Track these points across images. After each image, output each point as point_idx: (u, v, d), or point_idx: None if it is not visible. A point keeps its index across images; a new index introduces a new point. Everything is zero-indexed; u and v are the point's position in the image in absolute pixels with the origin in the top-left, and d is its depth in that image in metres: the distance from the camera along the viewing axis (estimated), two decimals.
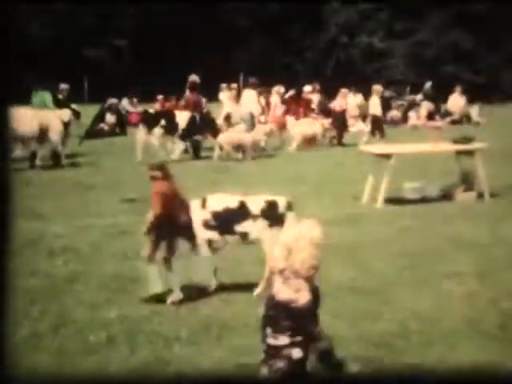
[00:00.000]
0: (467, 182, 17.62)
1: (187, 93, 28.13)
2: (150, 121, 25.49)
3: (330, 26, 70.07)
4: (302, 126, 28.53)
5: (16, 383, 6.48)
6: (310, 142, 27.96)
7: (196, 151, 26.33)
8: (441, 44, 69.33)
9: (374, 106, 31.35)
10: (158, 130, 25.23)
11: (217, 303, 9.87)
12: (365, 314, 9.39)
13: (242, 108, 29.27)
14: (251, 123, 28.07)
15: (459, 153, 18.21)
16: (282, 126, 29.60)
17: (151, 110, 27.65)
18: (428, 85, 33.60)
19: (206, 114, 27.54)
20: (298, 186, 18.76)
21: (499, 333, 8.79)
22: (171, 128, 25.42)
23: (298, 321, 6.20)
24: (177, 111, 26.85)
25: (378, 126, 30.92)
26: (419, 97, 34.04)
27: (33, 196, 17.48)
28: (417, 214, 15.74)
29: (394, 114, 32.84)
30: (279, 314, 6.21)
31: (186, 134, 25.68)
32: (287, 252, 6.17)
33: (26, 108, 24.23)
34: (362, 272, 11.26)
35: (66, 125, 24.68)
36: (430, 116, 31.67)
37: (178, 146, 25.52)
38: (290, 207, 10.40)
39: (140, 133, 25.23)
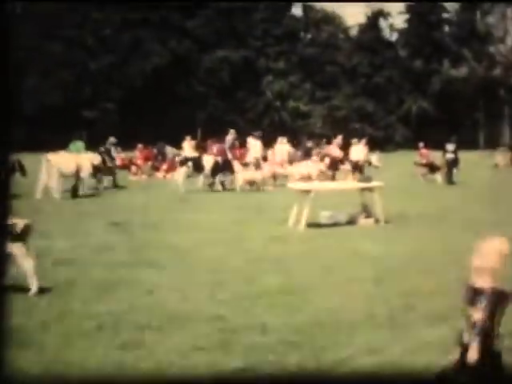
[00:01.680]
0: (367, 211, 17.82)
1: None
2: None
3: (266, 93, 70.56)
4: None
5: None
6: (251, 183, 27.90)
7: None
8: (350, 107, 70.26)
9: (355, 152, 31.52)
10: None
11: None
12: (290, 309, 9.43)
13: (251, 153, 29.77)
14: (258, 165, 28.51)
15: (362, 189, 18.49)
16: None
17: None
18: (339, 138, 33.68)
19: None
20: (242, 212, 18.99)
21: (388, 323, 8.85)
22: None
23: None
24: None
25: (336, 167, 30.98)
26: (332, 146, 34.13)
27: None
28: (330, 235, 15.85)
29: (314, 159, 32.93)
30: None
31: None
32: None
33: (65, 153, 25.55)
34: (288, 277, 11.31)
35: (96, 165, 25.38)
36: (341, 161, 31.75)
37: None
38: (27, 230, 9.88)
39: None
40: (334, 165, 30.77)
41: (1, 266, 5.86)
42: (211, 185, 27.35)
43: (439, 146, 34.32)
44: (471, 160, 32.74)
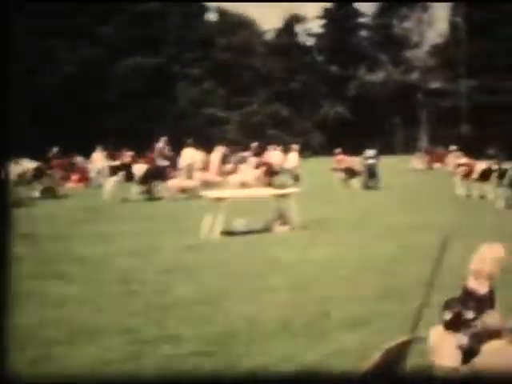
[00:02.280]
0: (283, 217, 17.99)
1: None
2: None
3: (181, 100, 70.45)
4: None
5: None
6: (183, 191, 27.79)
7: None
8: (265, 113, 70.79)
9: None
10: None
11: None
12: (204, 319, 9.46)
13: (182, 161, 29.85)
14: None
15: (278, 196, 18.66)
16: None
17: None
18: (255, 144, 33.92)
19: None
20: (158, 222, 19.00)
21: (304, 330, 8.97)
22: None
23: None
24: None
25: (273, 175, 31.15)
26: (248, 153, 34.29)
27: None
28: (245, 243, 15.94)
29: (230, 166, 32.97)
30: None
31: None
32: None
33: None
34: (202, 287, 11.35)
35: None
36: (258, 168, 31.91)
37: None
38: None
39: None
40: (271, 172, 31.00)
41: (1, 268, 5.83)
42: (144, 193, 27.27)
43: (356, 152, 34.90)
44: (388, 164, 33.39)
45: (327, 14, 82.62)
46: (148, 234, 17.38)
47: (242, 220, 17.76)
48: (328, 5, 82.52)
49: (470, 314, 6.73)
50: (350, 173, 32.12)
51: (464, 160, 28.60)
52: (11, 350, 6.73)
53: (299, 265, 13.08)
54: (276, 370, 7.51)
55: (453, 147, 42.92)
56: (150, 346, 8.26)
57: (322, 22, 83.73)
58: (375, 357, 6.47)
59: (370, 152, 31.95)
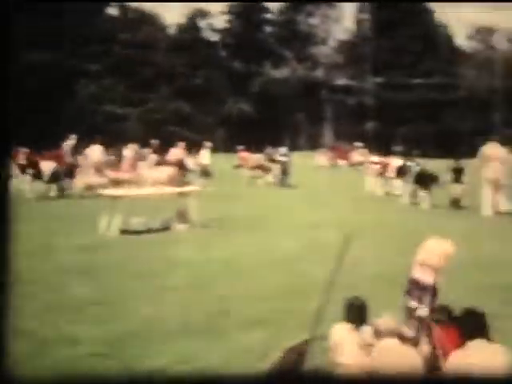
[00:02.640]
0: (183, 216, 17.94)
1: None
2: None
3: (80, 96, 69.45)
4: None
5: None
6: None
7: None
8: (167, 110, 70.51)
9: None
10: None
11: None
12: (101, 319, 9.38)
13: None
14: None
15: (179, 194, 18.63)
16: None
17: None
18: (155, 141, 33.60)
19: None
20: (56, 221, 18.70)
21: (204, 330, 8.98)
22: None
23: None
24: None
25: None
26: (147, 150, 33.95)
27: None
28: (143, 242, 15.83)
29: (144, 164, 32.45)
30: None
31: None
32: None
33: None
34: (99, 288, 11.23)
35: None
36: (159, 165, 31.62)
37: None
38: None
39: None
40: (183, 169, 30.81)
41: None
42: (55, 191, 26.71)
43: (260, 149, 35.09)
44: (293, 161, 33.62)
45: (232, 9, 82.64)
46: (45, 234, 17.02)
47: (141, 219, 17.63)
48: (232, 2, 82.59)
49: (413, 303, 6.96)
50: (262, 170, 32.16)
51: (378, 157, 29.03)
52: None
53: (199, 264, 13.10)
54: (174, 371, 7.49)
55: (357, 144, 43.75)
56: (46, 347, 8.15)
57: (227, 17, 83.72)
58: (277, 356, 6.53)
59: (283, 150, 32.15)
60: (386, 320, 7.23)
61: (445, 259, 7.11)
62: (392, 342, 6.86)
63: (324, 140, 78.18)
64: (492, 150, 22.56)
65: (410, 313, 7.11)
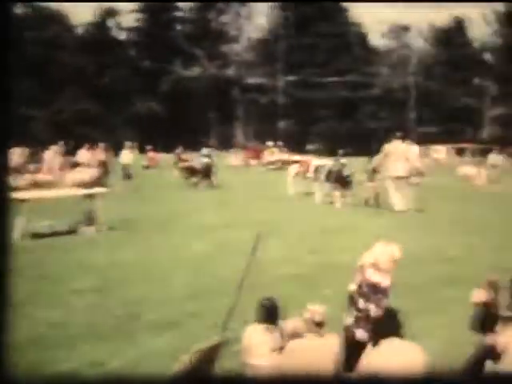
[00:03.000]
0: (90, 218, 17.75)
1: None
2: None
3: None
4: None
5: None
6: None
7: None
8: (73, 110, 69.73)
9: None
10: None
11: None
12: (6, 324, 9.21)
13: None
14: None
15: (86, 196, 18.39)
16: None
17: None
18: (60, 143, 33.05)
19: None
20: None
21: (113, 334, 8.94)
22: None
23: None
24: None
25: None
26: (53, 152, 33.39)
27: None
28: (49, 246, 15.60)
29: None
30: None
31: None
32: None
33: None
34: None
35: None
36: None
37: None
38: None
39: None
40: (106, 170, 30.52)
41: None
42: None
43: (170, 148, 34.94)
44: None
45: (142, 7, 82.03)
46: None
47: (46, 222, 17.37)
48: None
49: (367, 305, 7.17)
50: (191, 172, 31.68)
51: (299, 157, 29.08)
52: None
53: (107, 267, 13.03)
54: (82, 375, 7.45)
55: (270, 143, 44.03)
56: None
57: (137, 15, 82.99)
58: (185, 359, 6.55)
59: (205, 151, 31.90)
60: (293, 321, 7.36)
61: (394, 263, 7.38)
62: (300, 343, 6.99)
63: (236, 140, 78.39)
64: (394, 146, 23.00)
65: (363, 314, 7.28)
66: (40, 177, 28.25)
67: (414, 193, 22.44)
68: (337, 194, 23.85)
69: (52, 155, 30.86)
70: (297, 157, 28.39)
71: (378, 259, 7.46)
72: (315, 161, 26.81)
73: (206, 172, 30.55)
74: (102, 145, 31.95)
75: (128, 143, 33.72)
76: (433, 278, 12.12)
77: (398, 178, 22.47)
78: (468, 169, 35.17)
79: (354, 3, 79.56)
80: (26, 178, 27.34)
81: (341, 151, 27.47)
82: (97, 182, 28.67)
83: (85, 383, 7.51)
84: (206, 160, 30.91)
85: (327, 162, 25.89)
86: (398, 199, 22.40)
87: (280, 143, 46.05)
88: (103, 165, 30.57)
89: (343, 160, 25.21)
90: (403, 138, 23.75)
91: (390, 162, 22.75)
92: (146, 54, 79.60)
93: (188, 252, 14.57)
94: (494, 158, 38.09)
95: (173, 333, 8.94)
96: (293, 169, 27.50)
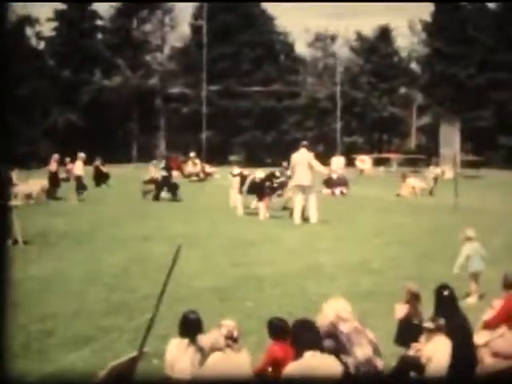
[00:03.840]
0: None
1: None
2: None
3: None
4: None
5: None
6: None
7: None
8: None
9: None
10: None
11: None
12: None
13: None
14: None
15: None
16: None
17: None
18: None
19: None
20: None
21: (24, 351, 8.85)
22: None
23: None
24: None
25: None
26: None
27: None
28: None
29: None
30: None
31: None
32: None
33: None
34: None
35: None
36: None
37: None
38: None
39: None
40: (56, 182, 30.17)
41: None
42: None
43: (88, 161, 34.59)
44: (122, 174, 33.35)
45: (60, 15, 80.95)
46: None
47: None
48: (61, 6, 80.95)
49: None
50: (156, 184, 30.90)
51: (239, 170, 28.37)
52: None
53: (20, 281, 12.76)
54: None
55: (192, 154, 44.01)
56: None
57: (55, 24, 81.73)
58: (100, 375, 6.54)
59: (161, 163, 31.27)
60: (212, 335, 7.42)
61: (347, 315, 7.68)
62: (218, 357, 7.06)
63: (158, 151, 78.04)
64: (299, 156, 23.22)
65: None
66: None
67: (338, 203, 22.68)
68: (260, 205, 23.89)
69: None
70: (240, 169, 27.41)
71: (337, 318, 7.79)
72: (259, 173, 26.12)
73: (164, 185, 29.71)
74: (55, 156, 31.41)
75: (81, 154, 33.08)
76: (353, 290, 12.26)
77: (302, 187, 22.72)
78: (413, 180, 35.32)
79: (280, 11, 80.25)
80: None
81: (285, 163, 27.73)
82: (48, 193, 28.47)
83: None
84: (163, 173, 30.01)
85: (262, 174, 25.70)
86: (298, 211, 22.70)
87: (200, 154, 46.26)
88: (55, 176, 30.21)
89: (277, 172, 25.38)
90: (308, 147, 23.87)
91: (295, 172, 22.99)
92: (65, 64, 78.48)
93: (105, 266, 14.47)
94: (433, 170, 38.85)
95: (88, 349, 8.87)
96: (235, 182, 26.28)
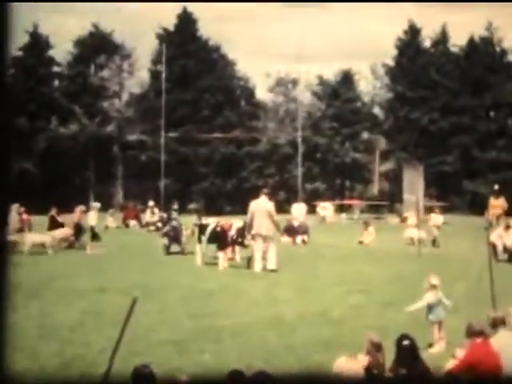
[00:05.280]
0: None
1: None
2: None
3: None
4: None
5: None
6: None
7: None
8: None
9: None
10: None
11: None
12: None
13: None
14: None
15: None
16: None
17: None
18: None
19: None
20: None
21: None
22: None
23: None
24: None
25: None
26: None
27: None
28: None
29: None
30: None
31: None
32: None
33: None
34: None
35: None
36: None
37: None
38: None
39: None
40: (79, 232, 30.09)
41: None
42: None
43: (42, 211, 34.37)
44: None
45: (16, 62, 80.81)
46: None
47: None
48: (17, 52, 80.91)
49: None
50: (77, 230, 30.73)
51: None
52: None
53: None
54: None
55: (151, 203, 43.90)
56: None
57: (11, 70, 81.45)
58: None
59: (175, 214, 30.32)
60: None
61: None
62: None
63: (115, 199, 77.72)
64: (259, 204, 23.38)
65: None
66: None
67: (299, 251, 22.69)
68: (220, 255, 23.79)
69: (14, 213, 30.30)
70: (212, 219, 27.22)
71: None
72: (237, 222, 25.93)
73: (175, 236, 29.22)
74: (80, 207, 31.45)
75: (96, 204, 32.80)
76: (313, 341, 12.30)
77: (261, 235, 22.85)
78: (412, 231, 32.50)
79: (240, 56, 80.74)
80: None
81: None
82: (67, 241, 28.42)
83: None
84: (175, 223, 29.40)
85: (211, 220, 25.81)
86: (258, 260, 22.77)
87: (157, 202, 46.09)
88: (78, 226, 30.14)
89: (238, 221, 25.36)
90: (268, 195, 24.08)
91: (254, 220, 23.11)
92: (20, 110, 78.19)
93: (57, 320, 14.34)
94: (435, 217, 36.49)
95: None
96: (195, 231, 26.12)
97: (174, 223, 28.75)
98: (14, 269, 22.28)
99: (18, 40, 79.62)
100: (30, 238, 27.95)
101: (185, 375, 7.78)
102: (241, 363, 10.18)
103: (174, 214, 29.96)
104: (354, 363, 8.38)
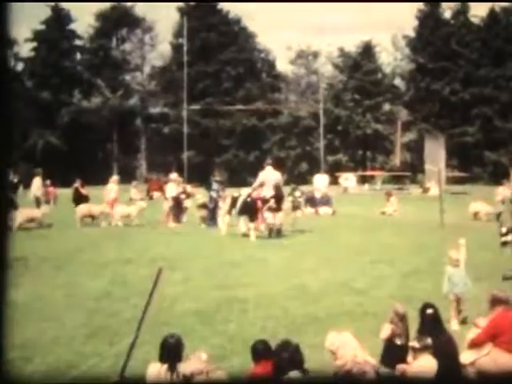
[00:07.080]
0: None
1: None
2: None
3: None
4: None
5: None
6: None
7: None
8: None
9: None
10: None
11: None
12: None
13: None
14: None
15: None
16: None
17: None
18: None
19: None
20: None
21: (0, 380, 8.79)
22: None
23: None
24: None
25: None
26: None
27: None
28: None
29: None
30: None
31: None
32: None
33: None
34: None
35: None
36: None
37: None
38: None
39: None
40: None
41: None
42: None
43: (68, 183, 34.50)
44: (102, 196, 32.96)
45: (39, 36, 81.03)
46: None
47: None
48: (39, 26, 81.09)
49: None
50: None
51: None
52: None
53: None
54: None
55: (174, 175, 43.89)
56: None
57: (34, 44, 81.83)
58: None
59: (215, 186, 29.23)
60: (193, 360, 7.45)
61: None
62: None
63: (138, 171, 78.07)
64: (266, 174, 24.09)
65: None
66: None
67: (322, 222, 22.69)
68: (250, 225, 23.76)
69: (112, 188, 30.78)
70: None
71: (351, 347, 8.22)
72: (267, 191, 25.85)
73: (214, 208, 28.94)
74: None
75: (115, 177, 32.84)
76: (337, 311, 12.29)
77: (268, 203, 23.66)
78: (479, 205, 31.14)
79: (261, 29, 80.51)
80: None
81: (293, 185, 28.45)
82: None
83: None
84: (215, 195, 29.08)
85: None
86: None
87: (181, 174, 46.05)
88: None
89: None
90: (273, 165, 24.37)
91: (262, 190, 23.57)
92: (43, 84, 78.41)
93: (83, 289, 14.40)
94: (503, 191, 33.55)
95: (70, 376, 8.83)
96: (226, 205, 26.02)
97: (214, 194, 28.68)
98: (42, 241, 22.61)
99: (40, 15, 79.89)
100: (120, 210, 28.95)
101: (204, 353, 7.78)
102: (265, 333, 10.20)
103: (215, 186, 29.17)
104: (345, 338, 8.34)
